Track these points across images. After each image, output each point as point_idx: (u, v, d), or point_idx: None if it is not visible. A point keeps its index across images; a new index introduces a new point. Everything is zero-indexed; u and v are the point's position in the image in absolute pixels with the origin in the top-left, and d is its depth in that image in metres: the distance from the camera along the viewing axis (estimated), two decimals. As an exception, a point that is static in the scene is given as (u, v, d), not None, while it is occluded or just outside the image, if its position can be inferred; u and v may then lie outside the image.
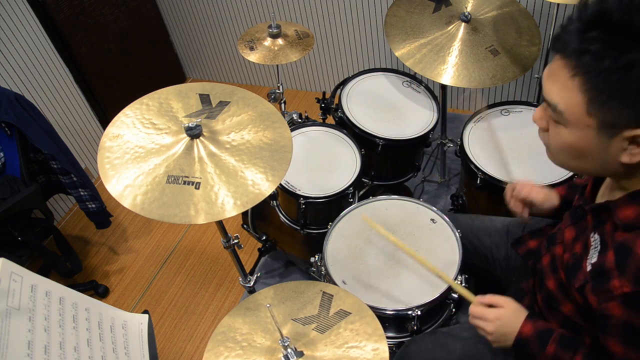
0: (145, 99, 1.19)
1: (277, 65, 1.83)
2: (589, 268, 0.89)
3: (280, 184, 1.60)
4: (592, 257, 0.89)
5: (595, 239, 0.90)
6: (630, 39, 0.72)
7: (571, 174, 1.54)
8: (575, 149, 0.83)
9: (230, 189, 1.05)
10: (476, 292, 1.51)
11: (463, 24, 1.72)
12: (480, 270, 1.43)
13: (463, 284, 1.32)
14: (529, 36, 1.76)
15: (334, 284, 1.32)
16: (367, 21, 2.61)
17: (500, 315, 1.03)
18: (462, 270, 1.33)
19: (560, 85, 0.80)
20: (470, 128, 1.74)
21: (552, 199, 1.22)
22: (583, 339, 0.97)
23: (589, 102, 0.77)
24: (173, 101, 1.20)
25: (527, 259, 1.24)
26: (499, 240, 1.38)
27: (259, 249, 2.05)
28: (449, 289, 1.30)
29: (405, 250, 1.25)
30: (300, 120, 1.93)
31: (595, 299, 0.85)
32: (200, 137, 1.11)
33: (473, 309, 1.08)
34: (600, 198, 0.96)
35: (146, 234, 2.49)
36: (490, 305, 1.06)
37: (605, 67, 0.73)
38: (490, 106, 1.80)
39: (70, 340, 0.84)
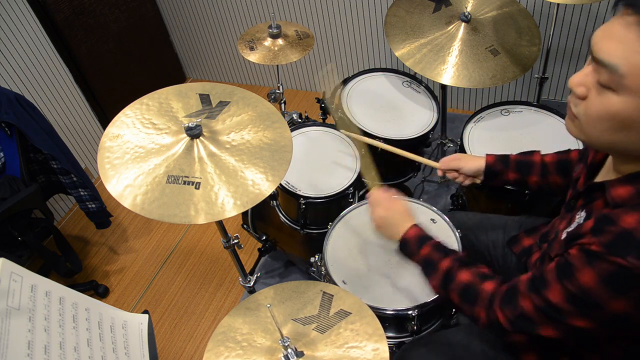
0: (145, 99, 1.19)
1: (277, 65, 1.82)
2: (564, 236, 0.89)
3: (280, 184, 1.60)
4: (571, 228, 0.89)
5: (580, 215, 0.90)
6: None
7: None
8: (621, 119, 0.76)
9: (230, 189, 1.05)
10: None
11: (463, 24, 1.72)
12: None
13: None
14: (529, 36, 1.76)
15: (334, 284, 1.32)
16: (367, 21, 2.62)
17: (395, 208, 1.16)
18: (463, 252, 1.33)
19: (628, 46, 0.72)
20: (470, 128, 1.74)
21: (481, 165, 1.33)
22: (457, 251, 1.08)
23: None
24: (173, 101, 1.20)
25: (522, 257, 1.25)
26: (496, 238, 1.38)
27: (259, 249, 2.05)
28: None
29: (381, 146, 1.39)
30: (300, 120, 1.93)
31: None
32: (200, 137, 1.11)
33: (376, 192, 1.21)
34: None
35: (146, 234, 2.49)
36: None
37: None
38: (490, 106, 1.80)
39: (70, 340, 0.84)
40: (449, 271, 1.03)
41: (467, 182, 1.38)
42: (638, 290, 0.74)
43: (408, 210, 1.17)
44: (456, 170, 1.38)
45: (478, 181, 1.37)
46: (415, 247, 1.10)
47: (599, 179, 0.94)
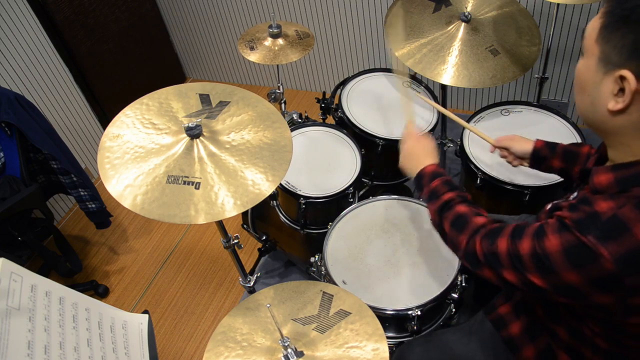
0: (145, 99, 1.19)
1: (277, 65, 1.83)
2: (549, 207, 0.96)
3: (280, 184, 1.60)
4: (558, 201, 0.95)
5: (573, 196, 0.95)
6: None
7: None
8: (579, 80, 0.86)
9: (230, 189, 1.05)
10: (476, 292, 1.52)
11: (463, 24, 1.72)
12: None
13: (463, 284, 1.32)
14: (529, 36, 1.76)
15: (334, 284, 1.32)
16: (367, 21, 2.62)
17: (423, 144, 1.27)
18: (462, 270, 1.33)
19: (596, 16, 0.82)
20: (470, 128, 1.74)
21: (529, 148, 1.36)
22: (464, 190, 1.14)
23: (601, 27, 0.79)
24: (173, 101, 1.20)
25: None
26: None
27: (259, 249, 2.05)
28: (449, 289, 1.30)
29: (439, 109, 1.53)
30: (300, 120, 1.93)
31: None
32: (200, 137, 1.11)
33: (410, 126, 1.35)
34: None
35: (146, 234, 2.49)
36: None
37: None
38: (490, 106, 1.80)
39: (70, 340, 0.84)
40: (449, 201, 1.09)
41: (516, 162, 1.41)
42: (589, 268, 0.77)
43: (433, 150, 1.26)
44: (506, 149, 1.42)
45: (526, 164, 1.40)
46: (427, 180, 1.17)
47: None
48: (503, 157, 1.45)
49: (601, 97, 0.81)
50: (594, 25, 0.81)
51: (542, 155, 1.34)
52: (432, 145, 1.27)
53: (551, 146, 1.34)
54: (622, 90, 0.78)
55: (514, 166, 1.42)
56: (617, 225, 0.76)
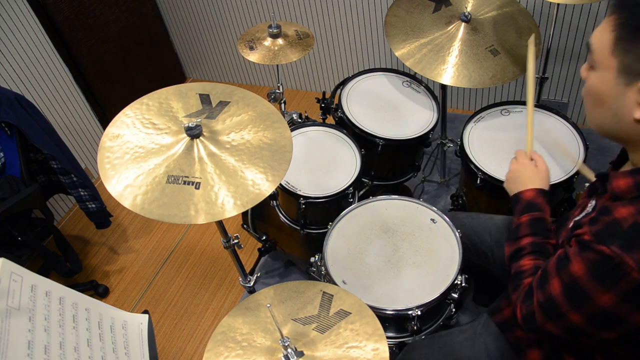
0: (145, 99, 1.19)
1: (277, 65, 1.82)
2: (571, 224, 0.93)
3: (280, 184, 1.60)
4: (579, 216, 0.92)
5: (591, 204, 0.92)
6: None
7: (569, 175, 1.54)
8: (595, 94, 0.84)
9: (230, 189, 1.05)
10: (476, 292, 1.52)
11: (463, 24, 1.72)
12: (480, 269, 1.43)
13: (463, 284, 1.32)
14: (529, 36, 1.75)
15: (334, 284, 1.32)
16: (367, 21, 2.62)
17: (530, 168, 1.20)
18: (462, 270, 1.33)
19: (601, 27, 0.81)
20: (470, 128, 1.74)
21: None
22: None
23: (616, 40, 0.77)
24: (173, 101, 1.20)
25: None
26: (500, 239, 1.38)
27: (259, 249, 2.05)
28: (449, 289, 1.30)
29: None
30: (300, 120, 1.93)
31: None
32: (200, 137, 1.11)
33: (520, 153, 1.26)
34: None
35: (146, 234, 2.49)
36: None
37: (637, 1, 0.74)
38: (490, 106, 1.80)
39: (70, 340, 0.84)
40: (521, 250, 1.06)
41: None
42: (622, 285, 0.75)
43: (543, 175, 1.20)
44: None
45: None
46: (520, 209, 1.13)
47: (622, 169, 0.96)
48: None
49: (626, 108, 0.80)
50: (604, 38, 0.79)
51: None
52: (543, 169, 1.21)
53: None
54: None
55: None
56: (639, 232, 0.74)
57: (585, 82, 0.87)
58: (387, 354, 0.99)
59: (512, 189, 1.20)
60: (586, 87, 0.86)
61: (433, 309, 1.32)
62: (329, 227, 1.48)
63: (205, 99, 1.21)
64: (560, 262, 0.85)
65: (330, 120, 1.90)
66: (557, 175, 1.53)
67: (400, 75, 1.95)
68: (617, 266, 0.74)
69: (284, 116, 1.75)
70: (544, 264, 0.94)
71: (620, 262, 0.74)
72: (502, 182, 1.55)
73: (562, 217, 1.20)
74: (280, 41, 1.75)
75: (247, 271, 1.52)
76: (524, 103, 1.79)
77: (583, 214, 0.93)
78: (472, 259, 1.43)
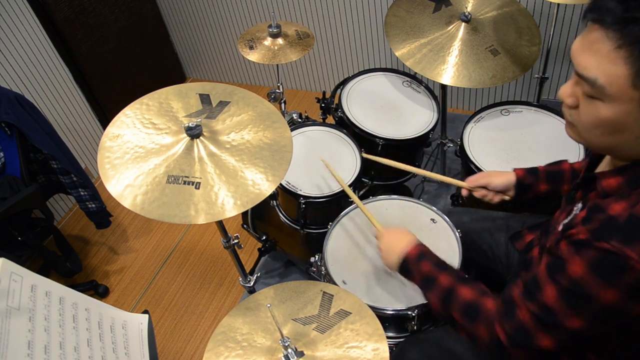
0: (145, 99, 1.19)
1: (277, 65, 1.82)
2: (560, 228, 0.90)
3: (280, 184, 1.60)
4: (567, 220, 0.90)
5: (577, 207, 0.91)
6: None
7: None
8: (613, 124, 0.78)
9: (230, 189, 1.05)
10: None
11: (463, 24, 1.72)
12: (480, 267, 1.43)
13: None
14: (529, 36, 1.76)
15: (334, 284, 1.32)
16: (367, 21, 2.62)
17: (392, 234, 1.21)
18: (462, 270, 1.33)
19: (601, 58, 0.74)
20: (470, 128, 1.74)
21: (511, 180, 1.29)
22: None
23: (636, 74, 0.72)
24: (173, 101, 1.20)
25: (525, 253, 1.25)
26: (499, 236, 1.38)
27: (259, 249, 2.05)
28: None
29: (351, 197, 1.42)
30: (300, 120, 1.93)
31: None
32: (200, 137, 1.11)
33: (377, 233, 1.26)
34: None
35: (146, 234, 2.49)
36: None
37: None
38: (490, 106, 1.80)
39: (70, 340, 0.84)
40: (450, 289, 1.02)
41: (497, 198, 1.32)
42: (626, 278, 0.74)
43: (406, 232, 1.19)
44: (484, 187, 1.32)
45: (507, 197, 1.31)
46: (414, 264, 1.11)
47: (598, 170, 0.95)
48: (481, 196, 1.33)
49: None
50: (618, 74, 0.73)
51: (527, 183, 1.28)
52: (403, 229, 1.21)
53: (533, 172, 1.29)
54: None
55: (495, 202, 1.33)
56: (636, 224, 0.74)
57: (581, 112, 0.82)
58: (387, 354, 0.99)
59: (394, 260, 1.16)
60: (592, 118, 0.80)
61: (433, 309, 1.32)
62: (329, 227, 1.48)
63: (205, 98, 1.21)
64: (553, 267, 0.83)
65: (330, 120, 1.90)
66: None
67: (401, 75, 1.95)
68: (619, 260, 0.74)
69: (284, 116, 1.75)
70: (524, 275, 0.92)
71: (622, 255, 0.73)
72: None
73: (544, 224, 1.19)
74: (280, 41, 1.75)
75: (247, 271, 1.52)
76: (524, 103, 1.79)
77: (571, 216, 0.91)
78: (473, 257, 1.43)
